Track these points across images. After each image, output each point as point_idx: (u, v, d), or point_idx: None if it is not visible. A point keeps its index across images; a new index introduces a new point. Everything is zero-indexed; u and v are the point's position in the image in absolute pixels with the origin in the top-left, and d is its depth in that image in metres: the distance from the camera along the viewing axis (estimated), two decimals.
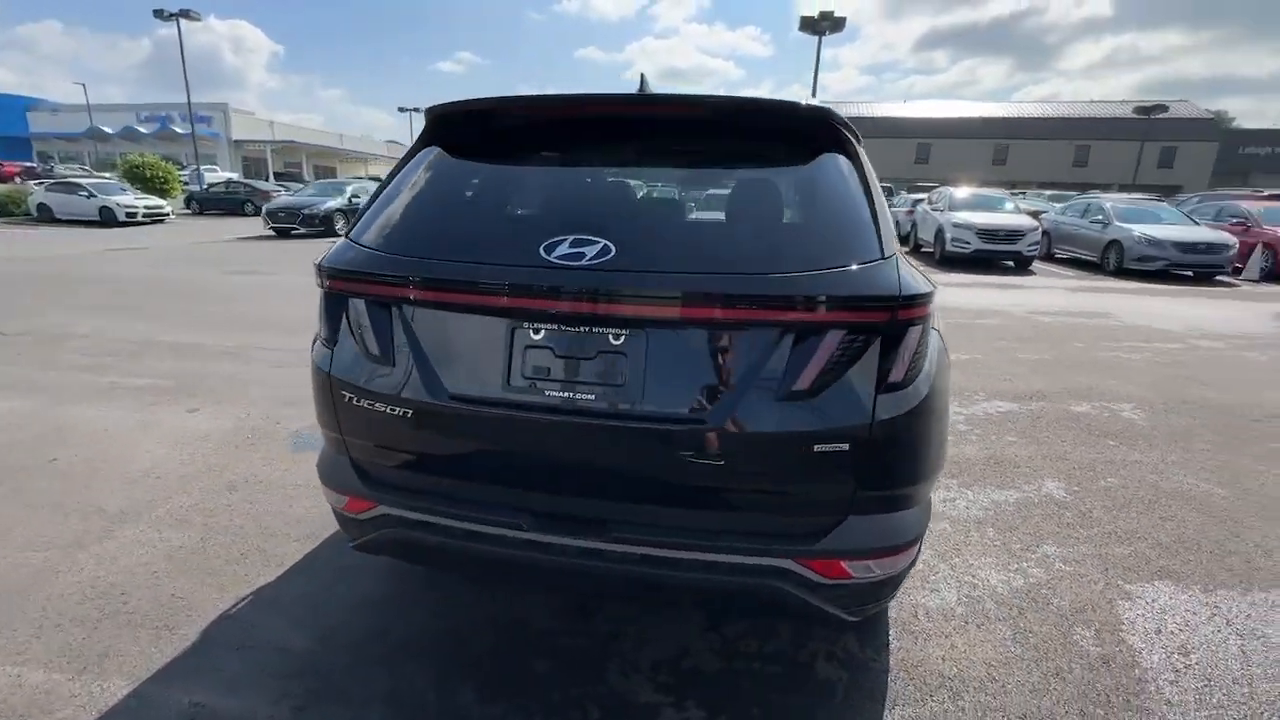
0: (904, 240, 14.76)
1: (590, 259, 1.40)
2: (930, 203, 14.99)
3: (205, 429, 3.47)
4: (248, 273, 9.72)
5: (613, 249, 1.41)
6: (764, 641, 1.97)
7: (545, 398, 1.44)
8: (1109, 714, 1.72)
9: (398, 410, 1.52)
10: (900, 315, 1.36)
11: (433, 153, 1.76)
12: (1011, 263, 12.97)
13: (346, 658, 1.85)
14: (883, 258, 1.40)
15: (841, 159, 1.58)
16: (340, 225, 16.06)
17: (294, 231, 15.85)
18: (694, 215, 1.88)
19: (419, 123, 2.29)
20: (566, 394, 1.43)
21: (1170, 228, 12.32)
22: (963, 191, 14.79)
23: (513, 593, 2.14)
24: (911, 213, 15.74)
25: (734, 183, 1.83)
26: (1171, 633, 2.07)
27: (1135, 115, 38.42)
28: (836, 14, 22.01)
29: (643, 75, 1.96)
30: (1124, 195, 17.16)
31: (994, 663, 1.91)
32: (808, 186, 1.63)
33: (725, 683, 1.81)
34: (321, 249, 1.71)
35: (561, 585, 1.93)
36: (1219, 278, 12.11)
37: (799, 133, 1.63)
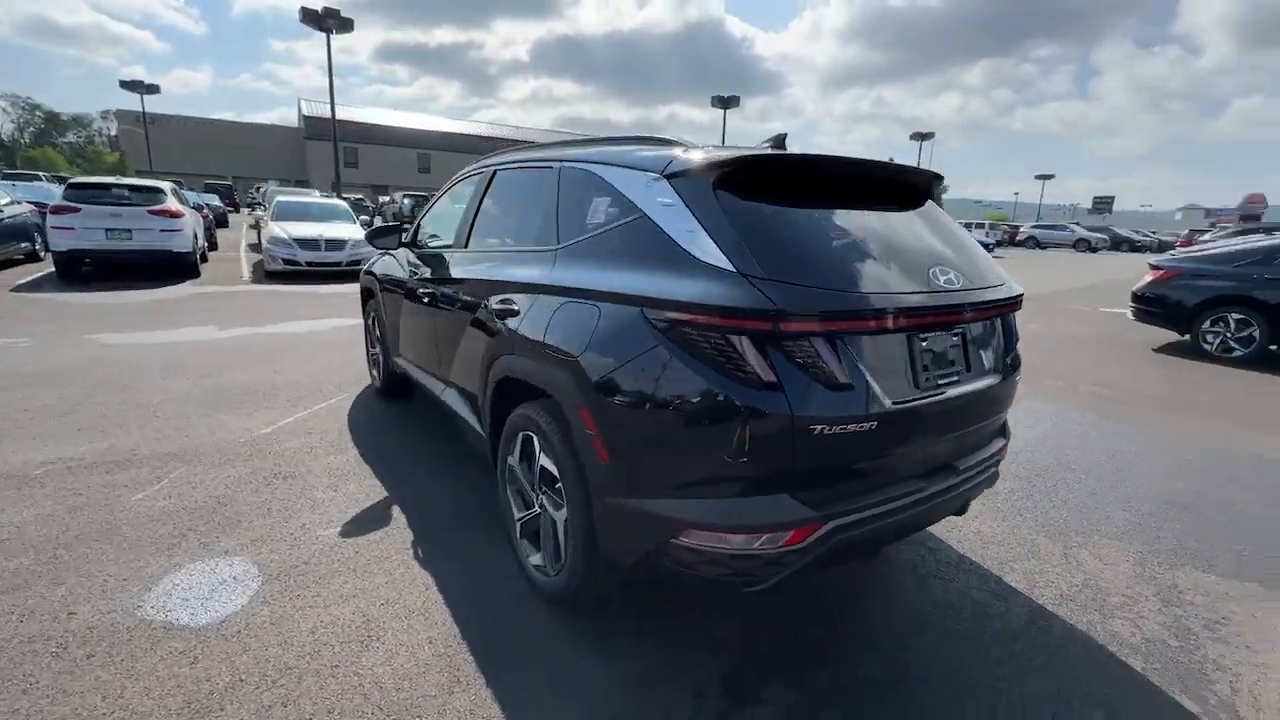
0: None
1: (954, 282, 1.94)
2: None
3: None
4: None
5: (954, 273, 1.97)
6: None
7: (937, 385, 1.89)
8: None
9: (861, 426, 1.69)
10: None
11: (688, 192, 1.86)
12: None
13: None
14: None
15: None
16: None
17: None
18: (940, 244, 2.12)
19: None
20: (946, 379, 1.93)
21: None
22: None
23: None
24: None
25: (931, 220, 2.22)
26: None
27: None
28: (343, 13, 20.78)
29: (784, 135, 2.21)
30: None
31: None
32: (949, 222, 2.29)
33: None
34: None
35: (925, 525, 2.28)
36: None
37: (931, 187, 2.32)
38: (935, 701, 1.90)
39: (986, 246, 19.56)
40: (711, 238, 1.74)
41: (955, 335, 2.00)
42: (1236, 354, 6.85)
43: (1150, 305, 7.55)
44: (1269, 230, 14.53)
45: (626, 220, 2.00)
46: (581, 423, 1.90)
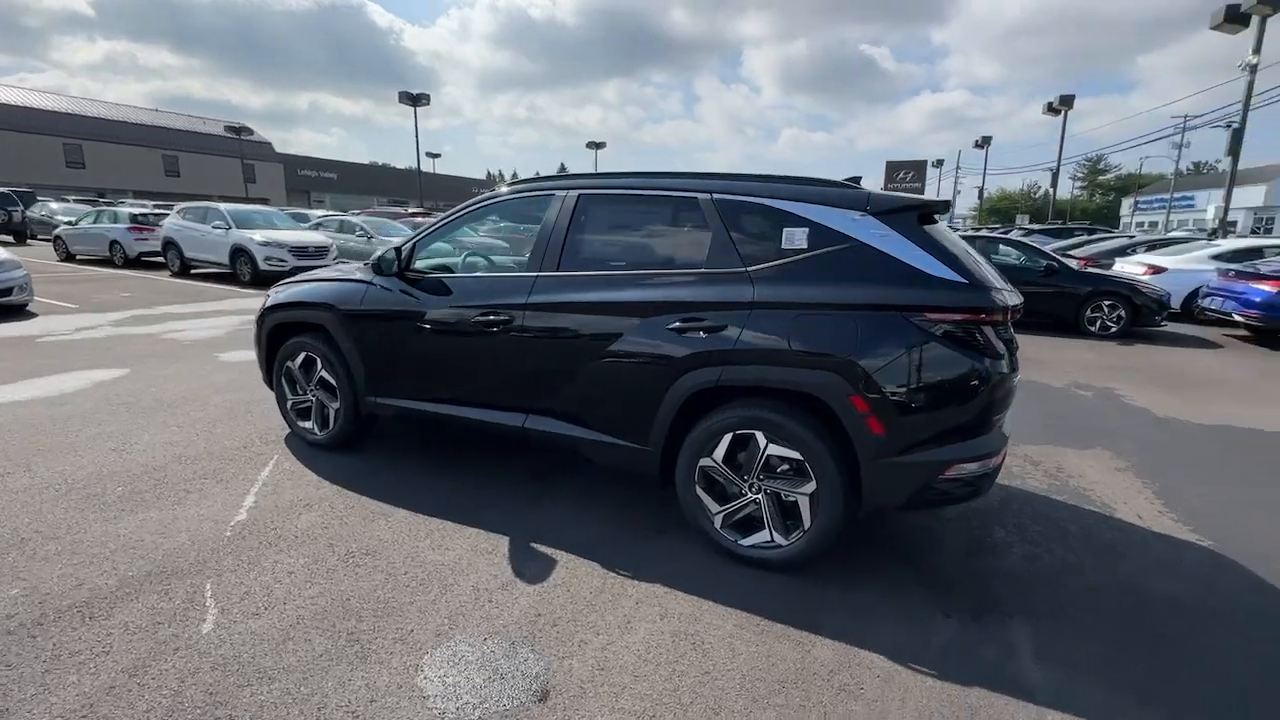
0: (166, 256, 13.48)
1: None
2: (187, 215, 13.35)
3: None
4: None
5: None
6: None
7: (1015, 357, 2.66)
8: None
9: (1008, 382, 2.54)
10: None
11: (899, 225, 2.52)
12: None
13: None
14: None
15: None
16: None
17: None
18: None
19: None
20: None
21: (287, 232, 12.80)
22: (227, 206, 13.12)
23: None
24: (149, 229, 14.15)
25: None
26: None
27: (226, 134, 43.68)
28: None
29: (858, 178, 2.88)
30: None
31: None
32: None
33: None
34: None
35: None
36: None
37: None
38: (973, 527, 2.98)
39: None
40: (935, 258, 2.43)
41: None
42: None
43: None
44: None
45: (837, 247, 2.53)
46: (851, 407, 2.40)
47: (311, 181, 56.06)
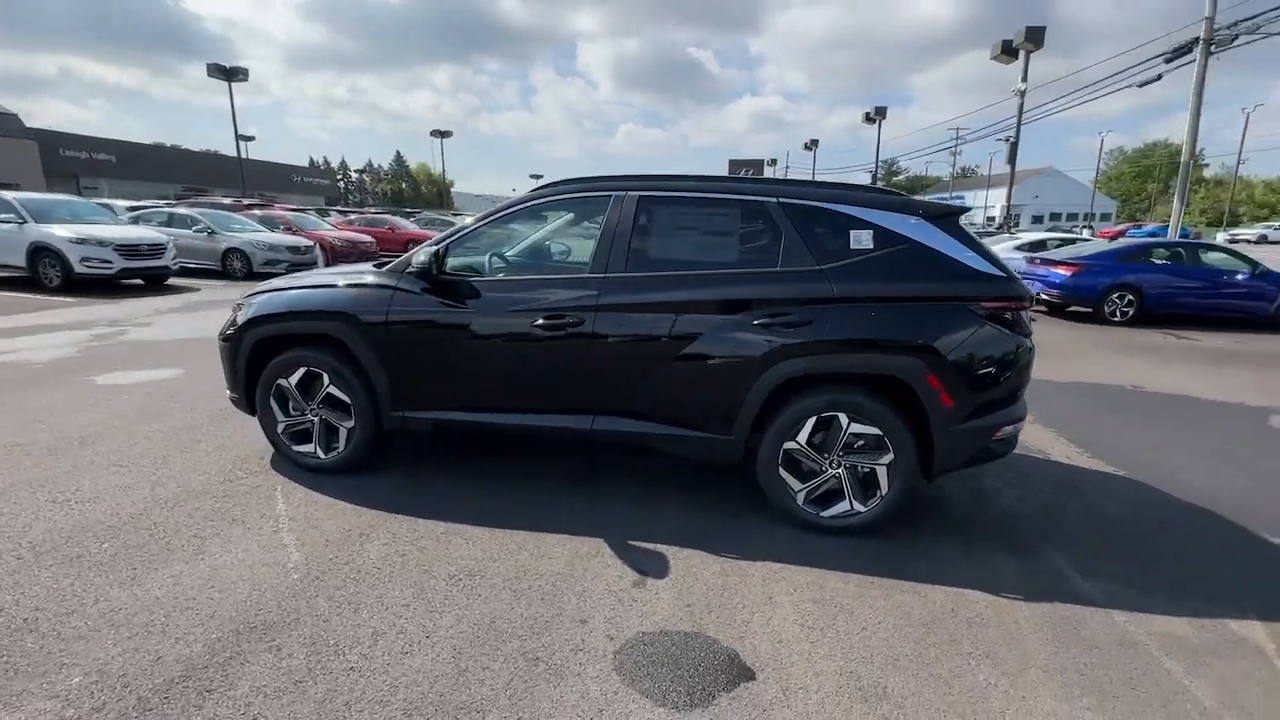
0: None
1: None
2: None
3: None
4: None
5: None
6: None
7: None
8: None
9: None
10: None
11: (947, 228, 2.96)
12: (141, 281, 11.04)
13: None
14: None
15: None
16: None
17: None
18: None
19: None
20: None
21: (107, 228, 10.70)
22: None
23: None
24: None
25: None
26: None
27: None
28: None
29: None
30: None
31: None
32: None
33: None
34: None
35: None
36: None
37: None
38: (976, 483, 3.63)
39: None
40: (979, 255, 2.90)
41: None
42: None
43: None
44: None
45: (898, 247, 2.89)
46: (928, 385, 2.78)
47: (81, 165, 45.96)
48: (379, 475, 3.49)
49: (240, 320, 3.46)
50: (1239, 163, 54.17)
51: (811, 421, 2.93)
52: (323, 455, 3.46)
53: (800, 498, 3.01)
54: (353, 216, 22.82)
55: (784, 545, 2.90)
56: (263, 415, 3.50)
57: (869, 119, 31.75)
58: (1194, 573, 2.79)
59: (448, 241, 3.28)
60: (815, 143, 42.78)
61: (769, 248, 3.01)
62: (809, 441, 2.95)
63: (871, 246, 2.92)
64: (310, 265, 14.12)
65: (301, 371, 3.38)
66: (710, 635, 2.25)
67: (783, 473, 3.01)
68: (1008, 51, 19.30)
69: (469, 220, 3.52)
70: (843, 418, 2.89)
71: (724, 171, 51.04)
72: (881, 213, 2.96)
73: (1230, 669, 2.18)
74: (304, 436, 3.50)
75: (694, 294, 2.98)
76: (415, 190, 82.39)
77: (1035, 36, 18.32)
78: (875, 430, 2.87)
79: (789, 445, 2.97)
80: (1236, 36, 16.20)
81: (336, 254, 15.71)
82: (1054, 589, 2.63)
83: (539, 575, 2.59)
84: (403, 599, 2.40)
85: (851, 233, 2.95)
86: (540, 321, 3.07)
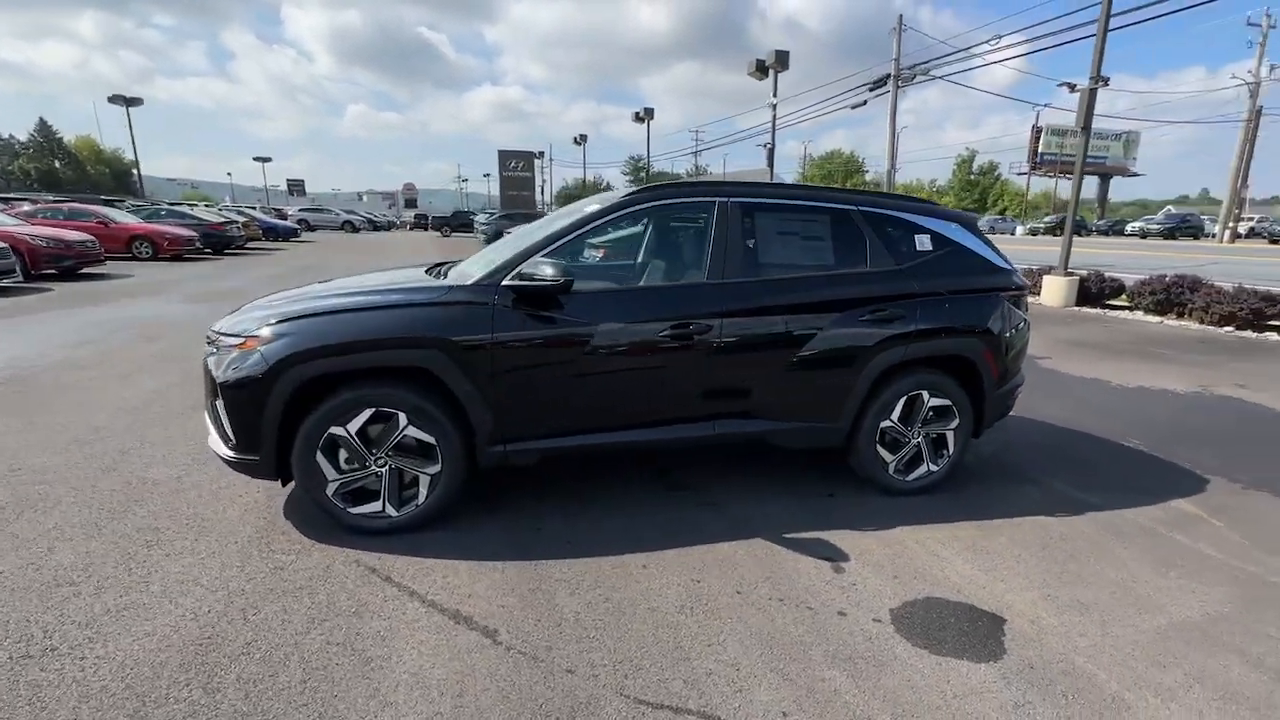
0: None
1: None
2: None
3: None
4: None
5: None
6: None
7: None
8: None
9: None
10: None
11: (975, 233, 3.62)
12: None
13: None
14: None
15: None
16: None
17: None
18: None
19: None
20: None
21: None
22: None
23: None
24: None
25: None
26: None
27: None
28: None
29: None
30: None
31: None
32: None
33: None
34: None
35: None
36: None
37: None
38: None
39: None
40: (997, 254, 3.64)
41: None
42: None
43: None
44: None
45: (946, 249, 3.49)
46: (985, 360, 3.43)
47: None
48: (466, 524, 3.01)
49: (270, 357, 2.64)
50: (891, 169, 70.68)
51: (902, 401, 3.39)
52: (395, 513, 2.86)
53: (891, 468, 3.46)
54: (30, 206, 16.97)
55: (890, 512, 3.32)
56: (305, 476, 2.74)
57: (638, 118, 33.96)
58: (1125, 475, 3.96)
59: (543, 249, 2.95)
60: (584, 138, 44.30)
61: (857, 251, 3.37)
62: (900, 418, 3.42)
63: (931, 248, 3.47)
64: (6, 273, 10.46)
65: (367, 414, 2.74)
66: (940, 596, 2.57)
67: (879, 448, 3.42)
68: (761, 69, 22.49)
69: (559, 222, 3.16)
70: (925, 394, 3.41)
71: (494, 162, 50.02)
72: (935, 220, 3.53)
73: (1200, 530, 3.21)
74: (365, 494, 2.84)
75: (806, 296, 3.21)
76: (78, 171, 63.73)
77: (782, 59, 21.71)
78: (946, 401, 3.45)
79: (884, 424, 3.39)
80: (915, 76, 21.40)
81: (37, 258, 11.76)
82: (1075, 503, 3.50)
83: (755, 584, 2.61)
84: (689, 633, 2.23)
85: (915, 237, 3.46)
86: (666, 331, 2.99)
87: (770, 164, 23.41)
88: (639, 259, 4.04)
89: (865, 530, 3.11)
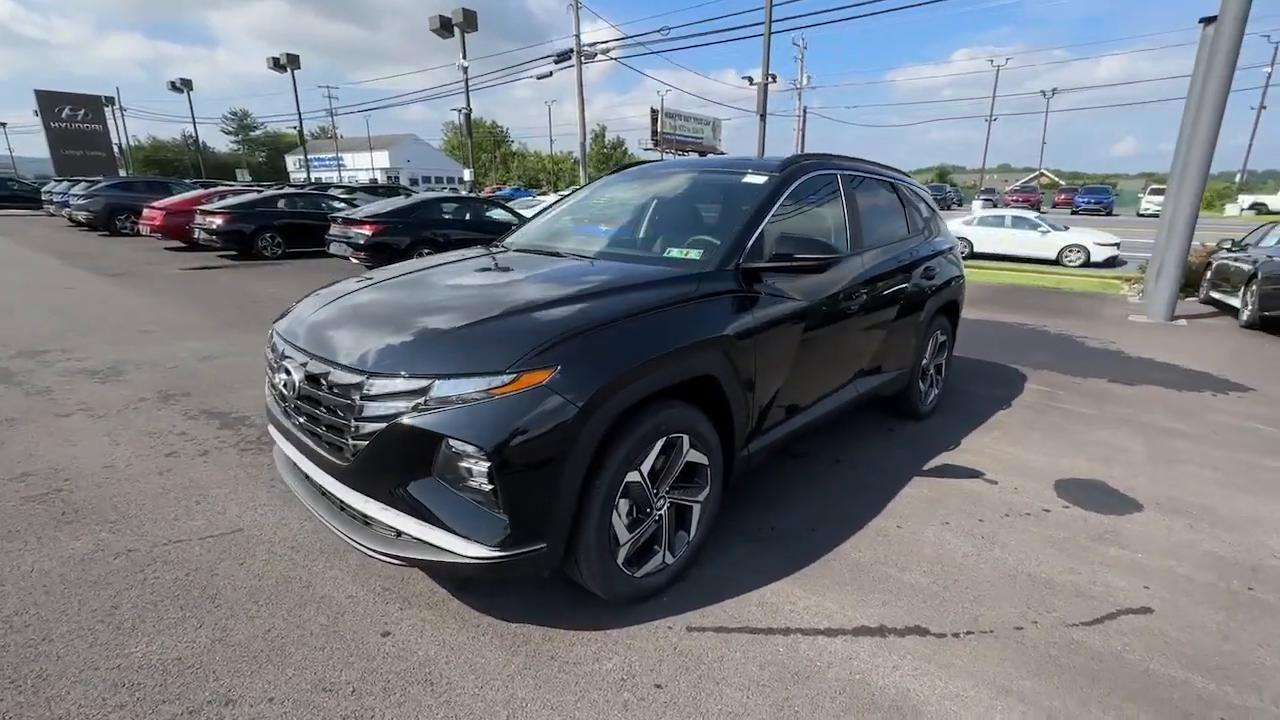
0: None
1: None
2: None
3: None
4: None
5: None
6: None
7: None
8: None
9: None
10: None
11: None
12: None
13: None
14: None
15: None
16: None
17: None
18: None
19: None
20: None
21: None
22: None
23: None
24: None
25: None
26: None
27: None
28: None
29: None
30: None
31: None
32: None
33: None
34: None
35: None
36: None
37: None
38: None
39: None
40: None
41: None
42: None
43: None
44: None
45: (934, 215, 4.30)
46: (959, 302, 4.40)
47: None
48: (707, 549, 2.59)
49: (580, 390, 1.80)
50: (551, 141, 73.91)
51: (934, 341, 4.13)
52: (672, 559, 2.31)
53: (928, 398, 4.21)
54: None
55: (932, 433, 4.07)
56: (598, 549, 1.99)
57: (174, 88, 28.43)
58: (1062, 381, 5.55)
59: (762, 225, 2.66)
60: (188, 83, 33.62)
61: (901, 218, 3.88)
62: (930, 357, 4.16)
63: (928, 216, 4.23)
64: None
65: (659, 445, 2.12)
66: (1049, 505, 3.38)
67: (921, 384, 4.11)
68: (445, 27, 20.99)
69: (723, 198, 2.81)
70: (940, 334, 4.21)
71: (31, 102, 34.40)
72: (925, 190, 4.28)
73: (1139, 403, 4.84)
74: (647, 549, 2.21)
75: (902, 259, 3.65)
76: None
77: (470, 20, 20.63)
78: (946, 338, 4.34)
79: (928, 361, 4.09)
80: (595, 54, 22.94)
81: None
82: (1048, 407, 4.82)
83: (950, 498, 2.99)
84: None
85: (920, 205, 4.16)
86: (843, 303, 3.06)
87: (469, 133, 22.38)
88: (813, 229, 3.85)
89: (955, 450, 3.77)
